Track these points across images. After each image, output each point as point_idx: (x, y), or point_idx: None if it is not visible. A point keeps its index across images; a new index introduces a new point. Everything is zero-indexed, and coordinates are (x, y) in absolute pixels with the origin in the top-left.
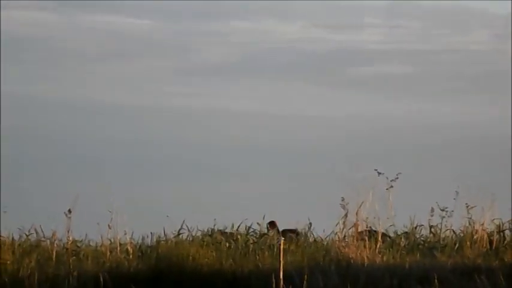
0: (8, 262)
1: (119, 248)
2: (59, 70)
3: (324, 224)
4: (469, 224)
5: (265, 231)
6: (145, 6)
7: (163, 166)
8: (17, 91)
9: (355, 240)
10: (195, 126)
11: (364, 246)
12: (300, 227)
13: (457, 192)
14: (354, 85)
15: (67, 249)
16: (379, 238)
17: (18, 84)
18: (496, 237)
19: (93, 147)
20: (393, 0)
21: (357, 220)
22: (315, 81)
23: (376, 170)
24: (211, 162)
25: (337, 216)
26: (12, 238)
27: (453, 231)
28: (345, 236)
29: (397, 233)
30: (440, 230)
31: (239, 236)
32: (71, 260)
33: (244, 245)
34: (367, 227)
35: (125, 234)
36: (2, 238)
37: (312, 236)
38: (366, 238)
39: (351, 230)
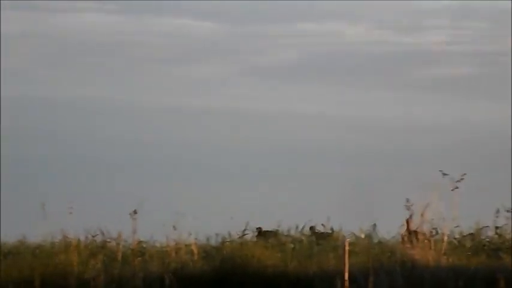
0: (75, 263)
1: (183, 249)
2: (127, 74)
3: (389, 225)
4: None
5: (330, 232)
6: (209, 9)
7: (226, 169)
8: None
9: (419, 242)
10: (262, 129)
11: (429, 248)
12: (364, 228)
13: None
14: (418, 87)
15: (132, 250)
16: (444, 239)
17: (75, 86)
18: None
19: (159, 149)
20: (458, 1)
21: (422, 221)
22: (381, 83)
23: (441, 171)
24: (275, 164)
25: (402, 218)
26: (79, 239)
27: None
28: (409, 237)
29: (462, 234)
30: (506, 231)
31: (303, 237)
32: (136, 261)
33: (308, 246)
34: (432, 229)
35: (190, 235)
36: (68, 239)
37: (376, 237)
38: (431, 240)
39: (415, 231)
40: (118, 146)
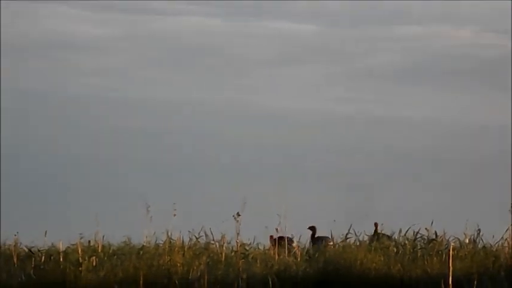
0: (179, 264)
1: (286, 252)
2: (227, 76)
3: (494, 230)
4: None
5: (433, 237)
6: (308, 11)
7: (329, 172)
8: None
9: None
10: (359, 134)
11: None
12: (469, 232)
13: None
14: None
15: (236, 252)
16: None
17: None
18: None
19: (257, 151)
20: None
21: None
22: (490, 87)
23: None
24: (381, 168)
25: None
26: (183, 241)
27: None
28: None
29: None
30: None
31: (407, 242)
32: (239, 263)
33: (412, 250)
34: None
35: (292, 237)
36: (172, 241)
37: (481, 242)
38: None
39: None
40: (221, 147)
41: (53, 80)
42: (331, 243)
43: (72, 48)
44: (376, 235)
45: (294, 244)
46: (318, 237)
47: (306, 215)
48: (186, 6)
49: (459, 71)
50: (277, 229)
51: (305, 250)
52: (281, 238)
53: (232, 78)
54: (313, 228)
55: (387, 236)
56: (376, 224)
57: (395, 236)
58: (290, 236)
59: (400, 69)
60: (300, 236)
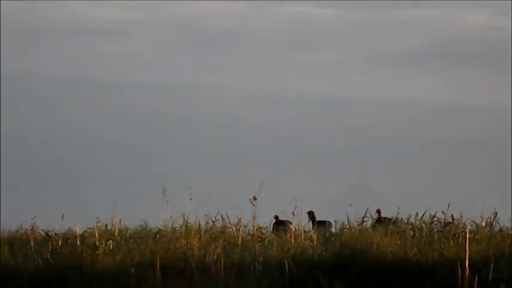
0: (195, 248)
1: (303, 235)
2: (249, 60)
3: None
4: None
5: (450, 220)
6: None
7: (343, 154)
8: (208, 81)
9: None
10: (387, 116)
11: None
12: (485, 216)
13: None
14: None
15: (252, 235)
16: None
17: (199, 72)
18: None
19: (275, 138)
20: None
21: None
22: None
23: None
24: (397, 153)
25: None
26: (199, 224)
27: None
28: None
29: None
30: None
31: (423, 225)
32: (256, 246)
33: (428, 233)
34: None
35: (308, 221)
36: (189, 224)
37: (497, 225)
38: None
39: None
40: (240, 132)
41: (77, 65)
42: (333, 228)
43: (96, 33)
44: (381, 221)
45: (291, 226)
46: (320, 221)
47: (321, 199)
48: None
49: (474, 54)
50: (293, 213)
51: (321, 234)
52: (281, 222)
53: (252, 62)
54: (311, 213)
55: (390, 219)
56: (379, 211)
57: (412, 220)
58: (289, 220)
59: (419, 53)
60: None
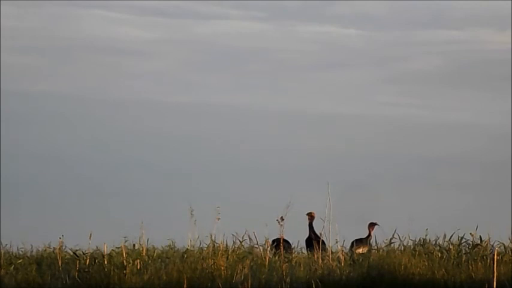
0: (222, 268)
1: (330, 256)
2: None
3: None
4: None
5: (478, 241)
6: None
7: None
8: (227, 102)
9: None
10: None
11: None
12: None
13: None
14: None
15: (279, 256)
16: None
17: (218, 92)
18: None
19: (302, 155)
20: None
21: None
22: None
23: None
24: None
25: None
26: (226, 244)
27: None
28: None
29: None
30: None
31: (451, 246)
32: (283, 267)
33: (456, 255)
34: None
35: (336, 242)
36: (216, 244)
37: None
38: None
39: None
40: (265, 151)
41: (96, 84)
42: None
43: (115, 52)
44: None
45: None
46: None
47: (351, 220)
48: (228, 10)
49: (502, 76)
50: (320, 233)
51: (349, 255)
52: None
53: (276, 82)
54: (311, 215)
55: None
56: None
57: (440, 241)
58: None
59: (444, 73)
60: (344, 241)
